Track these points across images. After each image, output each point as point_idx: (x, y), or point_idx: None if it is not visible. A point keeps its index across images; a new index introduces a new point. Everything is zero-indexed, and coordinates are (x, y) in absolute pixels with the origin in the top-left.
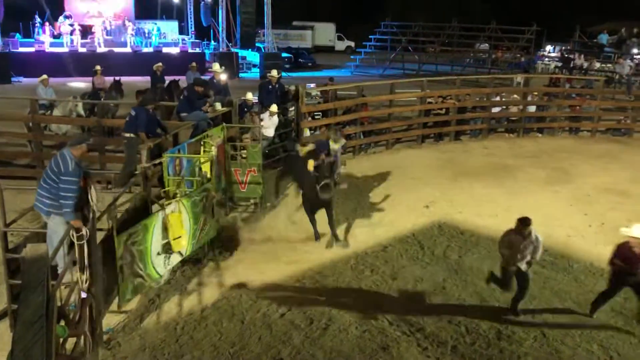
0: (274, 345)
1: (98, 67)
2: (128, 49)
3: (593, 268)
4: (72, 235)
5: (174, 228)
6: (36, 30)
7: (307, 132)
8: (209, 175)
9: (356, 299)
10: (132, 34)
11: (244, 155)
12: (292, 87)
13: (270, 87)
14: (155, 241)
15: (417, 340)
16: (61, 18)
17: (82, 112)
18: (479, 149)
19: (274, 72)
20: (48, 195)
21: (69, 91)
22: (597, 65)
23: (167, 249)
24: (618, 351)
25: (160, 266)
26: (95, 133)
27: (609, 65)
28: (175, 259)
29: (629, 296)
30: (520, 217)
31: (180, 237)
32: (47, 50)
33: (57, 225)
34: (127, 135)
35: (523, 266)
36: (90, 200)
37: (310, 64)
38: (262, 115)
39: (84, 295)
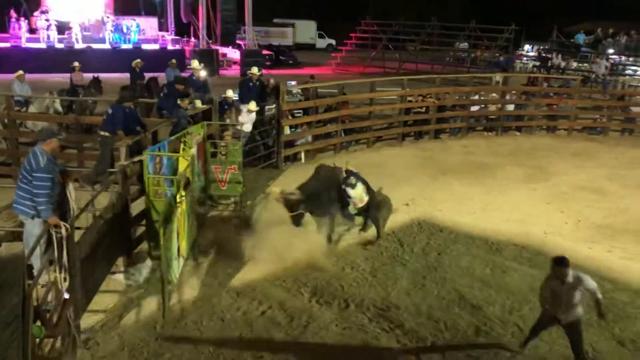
0: (254, 344)
1: (76, 64)
2: (107, 46)
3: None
4: (52, 233)
5: (180, 229)
6: (12, 24)
7: (287, 130)
8: (187, 175)
9: (337, 296)
10: (111, 30)
11: (223, 153)
12: (272, 80)
13: (250, 84)
14: (174, 245)
15: (396, 337)
16: (37, 13)
17: (59, 109)
18: (458, 147)
19: (255, 70)
20: (25, 195)
21: (45, 87)
22: (574, 64)
23: (178, 252)
24: (593, 346)
25: (176, 271)
26: (73, 130)
27: (585, 64)
28: (181, 262)
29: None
30: (555, 257)
31: (182, 239)
32: (23, 46)
33: (34, 226)
34: (102, 133)
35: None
36: (68, 197)
37: (291, 62)
38: (242, 107)
39: (66, 295)
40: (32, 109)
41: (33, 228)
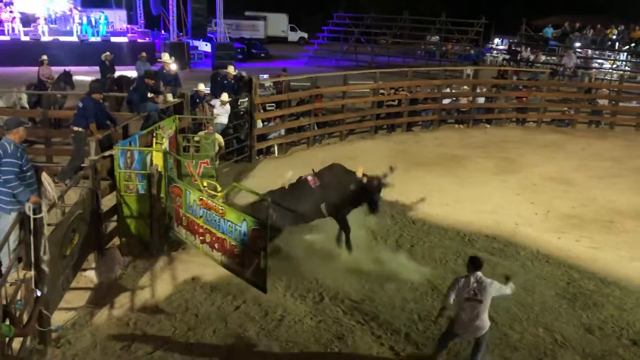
0: (229, 338)
1: (44, 57)
2: (74, 38)
3: (539, 255)
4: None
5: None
6: None
7: (259, 124)
8: (159, 168)
9: (311, 289)
10: (78, 23)
11: (197, 145)
12: (244, 74)
13: (225, 82)
14: None
15: (371, 329)
16: (1, 5)
17: (25, 105)
18: (430, 139)
19: (231, 69)
20: (1, 189)
21: (12, 82)
22: (543, 58)
23: None
24: (562, 334)
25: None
26: (40, 125)
27: (553, 58)
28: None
29: None
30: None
31: None
32: None
33: (7, 222)
34: (76, 128)
35: None
36: (45, 184)
37: (263, 55)
38: (213, 102)
39: (38, 293)
40: (0, 103)
41: (5, 225)
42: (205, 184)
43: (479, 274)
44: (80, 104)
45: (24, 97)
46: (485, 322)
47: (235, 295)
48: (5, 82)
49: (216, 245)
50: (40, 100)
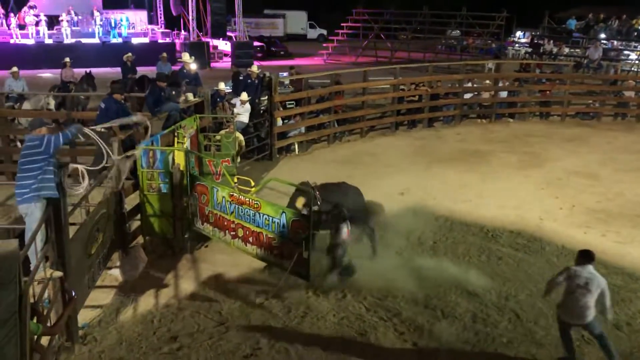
0: (252, 335)
1: (67, 60)
2: (96, 40)
3: (565, 250)
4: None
5: None
6: (0, 21)
7: (279, 122)
8: (181, 167)
9: (333, 286)
10: (100, 25)
11: (217, 144)
12: (267, 73)
13: (249, 81)
14: None
15: (394, 326)
16: (25, 8)
17: (53, 108)
18: (451, 135)
19: (254, 68)
20: (27, 180)
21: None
22: (566, 50)
23: None
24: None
25: None
26: (65, 126)
27: (577, 50)
28: None
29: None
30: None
31: None
32: (11, 42)
33: (36, 209)
34: (99, 129)
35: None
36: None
37: (282, 53)
38: (233, 101)
39: (73, 293)
40: (27, 105)
41: (35, 212)
42: (236, 180)
43: (591, 267)
44: (102, 105)
45: (52, 102)
46: (590, 311)
47: (257, 292)
48: (33, 85)
49: (250, 239)
50: (64, 101)
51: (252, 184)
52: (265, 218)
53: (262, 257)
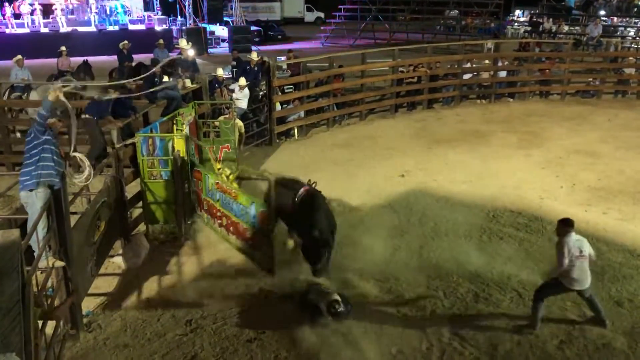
0: (256, 319)
1: (63, 48)
2: (92, 28)
3: None
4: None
5: None
6: None
7: (278, 107)
8: (182, 154)
9: (336, 268)
10: (95, 12)
11: (216, 130)
12: (266, 59)
13: (248, 67)
14: None
15: (396, 307)
16: None
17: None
18: (451, 116)
19: (254, 55)
20: (29, 169)
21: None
22: (566, 28)
23: None
24: None
25: None
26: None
27: (577, 28)
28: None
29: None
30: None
31: None
32: (7, 32)
33: (37, 199)
34: (84, 116)
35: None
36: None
37: (280, 37)
38: (232, 86)
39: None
40: (34, 95)
41: (36, 202)
42: (219, 166)
43: (574, 233)
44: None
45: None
46: (589, 275)
47: (261, 277)
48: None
49: (231, 228)
50: None
51: (229, 172)
52: (241, 208)
53: (240, 249)
